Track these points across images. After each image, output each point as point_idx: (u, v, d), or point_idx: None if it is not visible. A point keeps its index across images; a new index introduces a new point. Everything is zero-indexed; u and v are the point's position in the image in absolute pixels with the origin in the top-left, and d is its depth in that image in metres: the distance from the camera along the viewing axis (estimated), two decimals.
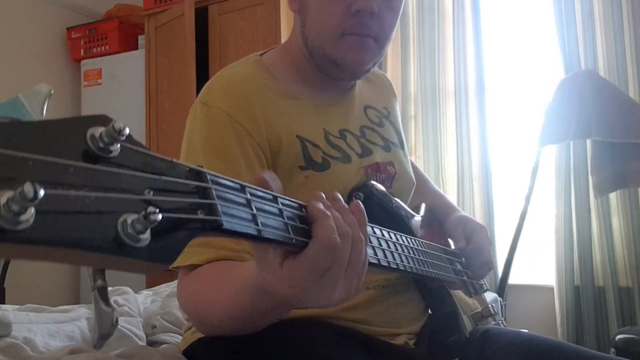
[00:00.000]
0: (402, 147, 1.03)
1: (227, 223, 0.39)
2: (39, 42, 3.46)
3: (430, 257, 0.83)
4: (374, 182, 0.85)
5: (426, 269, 0.78)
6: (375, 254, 0.62)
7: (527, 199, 2.25)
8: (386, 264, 0.64)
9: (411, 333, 0.89)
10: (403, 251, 0.71)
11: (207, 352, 0.82)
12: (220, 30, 2.98)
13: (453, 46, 2.90)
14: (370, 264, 0.59)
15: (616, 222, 2.52)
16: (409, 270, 0.71)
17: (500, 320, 1.13)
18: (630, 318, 2.47)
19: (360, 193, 0.82)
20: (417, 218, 0.95)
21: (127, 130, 0.32)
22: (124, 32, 3.46)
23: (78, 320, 1.11)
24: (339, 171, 0.85)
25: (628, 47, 2.52)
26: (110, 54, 3.44)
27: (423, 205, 1.03)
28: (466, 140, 2.84)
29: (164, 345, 1.05)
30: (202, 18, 2.96)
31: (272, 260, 0.50)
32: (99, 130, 0.32)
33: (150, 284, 2.84)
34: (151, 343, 1.10)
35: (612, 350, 2.04)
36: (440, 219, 1.06)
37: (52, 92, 0.32)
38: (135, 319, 1.17)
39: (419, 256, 0.78)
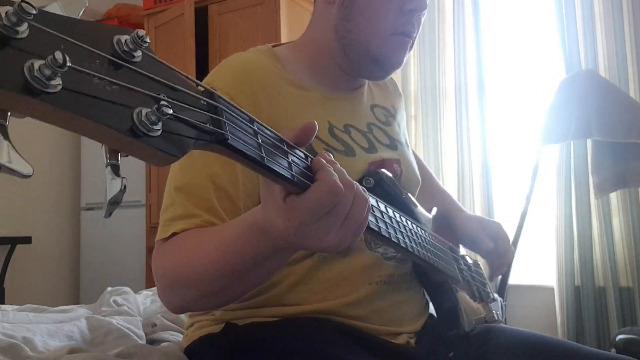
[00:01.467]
0: (407, 146, 1.03)
1: (233, 140, 0.42)
2: None
3: (433, 246, 0.83)
4: (384, 170, 0.85)
5: (426, 254, 0.78)
6: (377, 223, 0.63)
7: (528, 199, 2.24)
8: (387, 235, 0.65)
9: (412, 332, 0.89)
10: (405, 231, 0.71)
11: (208, 350, 0.82)
12: (220, 30, 2.98)
13: (453, 46, 2.90)
14: (372, 231, 0.61)
15: (617, 222, 2.52)
16: (410, 250, 0.71)
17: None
18: (631, 318, 2.47)
19: (370, 178, 0.82)
20: (427, 215, 0.95)
21: (148, 39, 0.36)
22: None
23: (77, 320, 1.11)
24: (341, 164, 0.85)
25: (628, 46, 2.52)
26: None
27: (435, 209, 1.03)
28: (466, 140, 2.84)
29: (165, 343, 1.05)
30: (202, 18, 2.96)
31: (276, 192, 0.52)
32: (124, 37, 0.35)
33: (150, 285, 2.83)
34: (151, 341, 1.10)
35: (613, 350, 2.03)
36: (449, 220, 1.05)
37: (87, 5, 0.35)
38: (134, 318, 1.16)
39: (421, 241, 0.77)
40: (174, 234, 0.73)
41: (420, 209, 0.92)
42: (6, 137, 0.31)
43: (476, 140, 2.83)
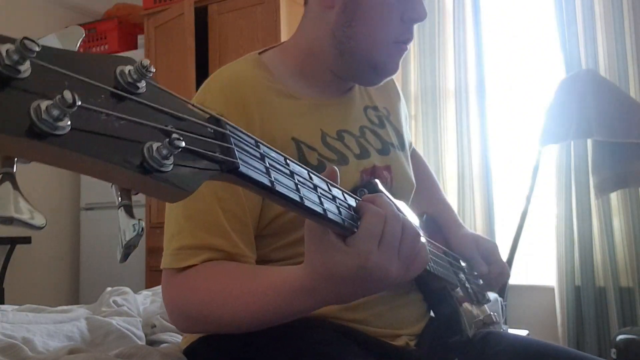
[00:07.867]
0: (402, 149, 1.01)
1: (243, 167, 0.40)
2: None
3: (435, 255, 0.82)
4: (377, 181, 0.85)
5: (433, 266, 0.78)
6: None
7: (528, 199, 2.24)
8: None
9: (412, 334, 0.89)
10: None
11: (207, 352, 0.82)
12: (219, 30, 2.97)
13: (453, 46, 2.90)
14: None
15: (617, 222, 2.52)
16: None
17: (502, 329, 1.12)
18: (631, 318, 2.47)
19: (365, 189, 0.82)
20: (417, 221, 0.95)
21: (153, 68, 0.35)
22: (123, 32, 3.46)
23: (77, 320, 1.10)
24: None
25: (629, 46, 2.52)
26: (109, 54, 3.43)
27: (424, 215, 1.02)
28: (466, 140, 2.84)
29: (164, 344, 1.05)
30: (201, 17, 2.96)
31: (334, 239, 0.54)
32: (127, 68, 0.34)
33: (149, 285, 2.83)
34: (151, 342, 1.09)
35: (613, 350, 2.03)
36: (444, 232, 1.05)
37: (84, 35, 0.34)
38: (134, 319, 1.16)
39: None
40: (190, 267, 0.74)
41: (413, 216, 0.92)
42: (15, 186, 0.29)
43: (476, 140, 2.83)
